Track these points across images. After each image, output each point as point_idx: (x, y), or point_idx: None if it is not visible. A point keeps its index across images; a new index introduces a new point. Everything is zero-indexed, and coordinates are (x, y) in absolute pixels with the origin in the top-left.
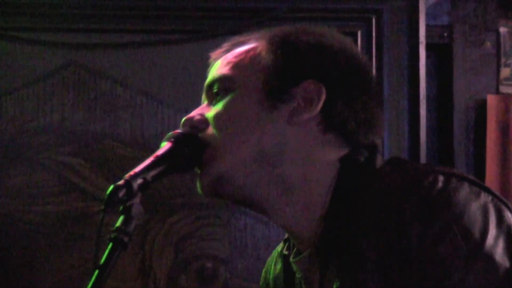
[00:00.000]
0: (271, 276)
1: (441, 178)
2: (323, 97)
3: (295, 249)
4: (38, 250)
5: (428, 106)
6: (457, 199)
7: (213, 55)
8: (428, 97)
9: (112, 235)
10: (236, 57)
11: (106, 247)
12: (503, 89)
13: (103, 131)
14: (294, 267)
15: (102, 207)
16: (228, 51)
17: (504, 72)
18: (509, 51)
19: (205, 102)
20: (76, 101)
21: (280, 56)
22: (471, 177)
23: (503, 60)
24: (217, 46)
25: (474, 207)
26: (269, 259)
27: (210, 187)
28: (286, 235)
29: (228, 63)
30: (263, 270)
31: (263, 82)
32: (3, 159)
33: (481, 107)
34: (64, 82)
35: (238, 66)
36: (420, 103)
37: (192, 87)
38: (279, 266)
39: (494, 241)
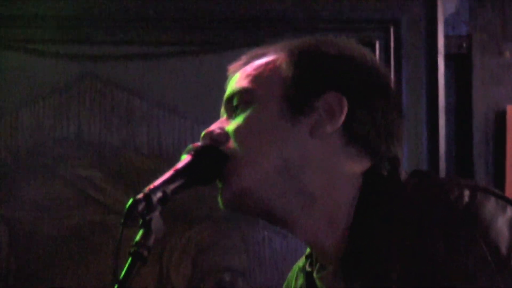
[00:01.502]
0: None
1: (467, 193)
2: (345, 109)
3: (318, 264)
4: (55, 263)
5: (447, 117)
6: (484, 214)
7: (232, 68)
8: (447, 108)
9: (132, 249)
10: (255, 69)
11: (125, 261)
12: None
13: (120, 143)
14: (318, 283)
15: (121, 220)
16: (246, 63)
17: None
18: None
19: (224, 116)
20: (92, 113)
21: (300, 68)
22: (497, 191)
23: None
24: (234, 57)
25: (501, 222)
26: (290, 274)
27: (232, 201)
28: (308, 251)
29: (248, 75)
30: (284, 285)
31: (283, 94)
32: (20, 172)
33: (501, 117)
34: (80, 94)
35: (257, 78)
36: (439, 113)
37: (209, 99)
38: (300, 281)
39: None
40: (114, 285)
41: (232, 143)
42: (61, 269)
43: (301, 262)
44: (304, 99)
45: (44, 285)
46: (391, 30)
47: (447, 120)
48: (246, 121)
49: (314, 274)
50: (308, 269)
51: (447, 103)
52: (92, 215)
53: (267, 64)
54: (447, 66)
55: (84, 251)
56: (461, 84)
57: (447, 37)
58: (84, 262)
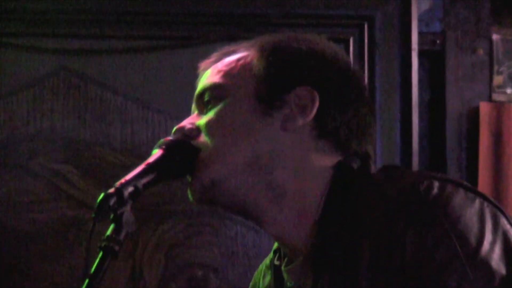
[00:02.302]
0: None
1: (436, 184)
2: (317, 103)
3: (286, 258)
4: (29, 258)
5: (420, 113)
6: (453, 205)
7: (202, 65)
8: (420, 104)
9: (103, 244)
10: (226, 65)
11: (97, 256)
12: (496, 96)
13: (93, 138)
14: (286, 276)
15: (92, 215)
16: (217, 60)
17: (497, 79)
18: (502, 58)
19: (195, 112)
20: (66, 108)
21: (271, 63)
22: (466, 183)
23: (495, 67)
24: (208, 52)
25: (470, 213)
26: (256, 273)
27: (201, 193)
28: (276, 246)
29: (219, 71)
30: (250, 285)
31: (255, 89)
32: None
33: (474, 114)
34: (54, 88)
35: (229, 74)
36: (413, 109)
37: (183, 93)
38: (268, 278)
39: (490, 247)
40: (85, 279)
41: (203, 137)
42: (34, 264)
43: (268, 259)
44: (275, 93)
45: (17, 279)
46: (365, 27)
47: (421, 117)
48: (217, 115)
49: (283, 268)
50: (276, 262)
51: (421, 99)
52: (65, 210)
53: (238, 60)
54: (420, 63)
55: (57, 246)
56: (434, 81)
57: (421, 34)
58: (57, 256)
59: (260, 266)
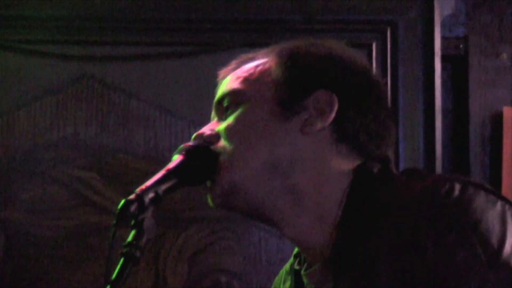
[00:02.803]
0: None
1: (457, 186)
2: (336, 106)
3: (306, 263)
4: (51, 264)
5: (443, 118)
6: (474, 207)
7: (221, 73)
8: (443, 109)
9: (124, 250)
10: (245, 72)
11: (118, 262)
12: None
13: (117, 145)
14: (305, 280)
15: (113, 221)
16: (236, 68)
17: None
18: None
19: (215, 119)
20: (89, 115)
21: (289, 68)
22: (488, 185)
23: None
24: (231, 58)
25: (491, 215)
26: (276, 278)
27: (221, 198)
28: (296, 250)
29: (238, 78)
30: None
31: (274, 94)
32: (16, 174)
33: (497, 119)
34: (77, 95)
35: (248, 80)
36: (436, 115)
37: (205, 100)
38: (288, 284)
39: (511, 249)
40: (106, 286)
41: (222, 142)
42: (57, 271)
43: (288, 264)
44: (294, 97)
45: (40, 286)
46: (388, 32)
47: (444, 122)
48: (236, 120)
49: (302, 272)
50: (296, 267)
51: (444, 104)
52: (88, 217)
53: (256, 66)
54: (443, 68)
55: (80, 253)
56: (457, 86)
57: (444, 38)
58: (81, 264)
59: (281, 271)
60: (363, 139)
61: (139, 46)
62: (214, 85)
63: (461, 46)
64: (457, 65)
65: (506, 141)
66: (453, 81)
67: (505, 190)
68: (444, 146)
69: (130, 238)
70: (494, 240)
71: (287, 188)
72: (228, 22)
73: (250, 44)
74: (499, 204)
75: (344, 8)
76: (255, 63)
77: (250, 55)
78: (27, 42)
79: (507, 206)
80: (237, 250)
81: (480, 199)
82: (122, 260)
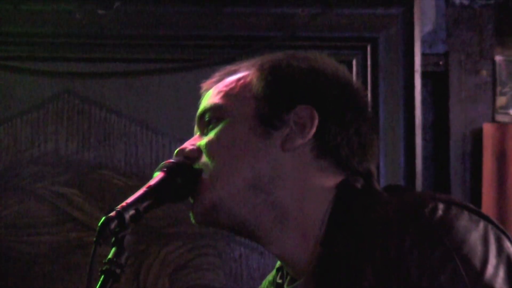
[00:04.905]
0: None
1: (441, 206)
2: (316, 122)
3: (288, 277)
4: (31, 280)
5: (424, 134)
6: (458, 228)
7: (204, 85)
8: (424, 125)
9: (104, 267)
10: (227, 86)
11: (99, 279)
12: (499, 117)
13: (98, 161)
14: None
15: (94, 238)
16: (219, 81)
17: (500, 100)
18: (505, 79)
19: (197, 134)
20: (70, 131)
21: (270, 83)
22: (471, 205)
23: (499, 88)
24: (212, 75)
25: (474, 236)
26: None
27: (203, 216)
28: (278, 264)
29: (219, 92)
30: None
31: (254, 109)
32: None
33: (477, 135)
34: (58, 111)
35: (229, 95)
36: (416, 131)
37: (187, 116)
38: None
39: (494, 270)
40: None
41: (204, 158)
42: (37, 285)
43: (271, 276)
44: (275, 113)
45: None
46: (368, 48)
47: (424, 138)
48: (218, 135)
49: (285, 286)
50: (278, 281)
51: (424, 120)
52: (69, 233)
53: (238, 80)
54: (424, 84)
55: (61, 270)
56: (438, 102)
57: (424, 55)
58: (61, 280)
59: (263, 282)
60: (345, 153)
61: (120, 63)
62: (196, 102)
63: (441, 62)
64: (437, 82)
65: (486, 157)
66: (433, 97)
67: (485, 206)
68: (424, 162)
69: (110, 255)
70: (477, 261)
71: (270, 205)
72: (211, 38)
73: (233, 60)
74: (481, 224)
75: (325, 25)
76: (237, 76)
77: (233, 67)
78: (7, 59)
79: (489, 227)
80: (218, 266)
81: (463, 220)
82: (102, 277)
